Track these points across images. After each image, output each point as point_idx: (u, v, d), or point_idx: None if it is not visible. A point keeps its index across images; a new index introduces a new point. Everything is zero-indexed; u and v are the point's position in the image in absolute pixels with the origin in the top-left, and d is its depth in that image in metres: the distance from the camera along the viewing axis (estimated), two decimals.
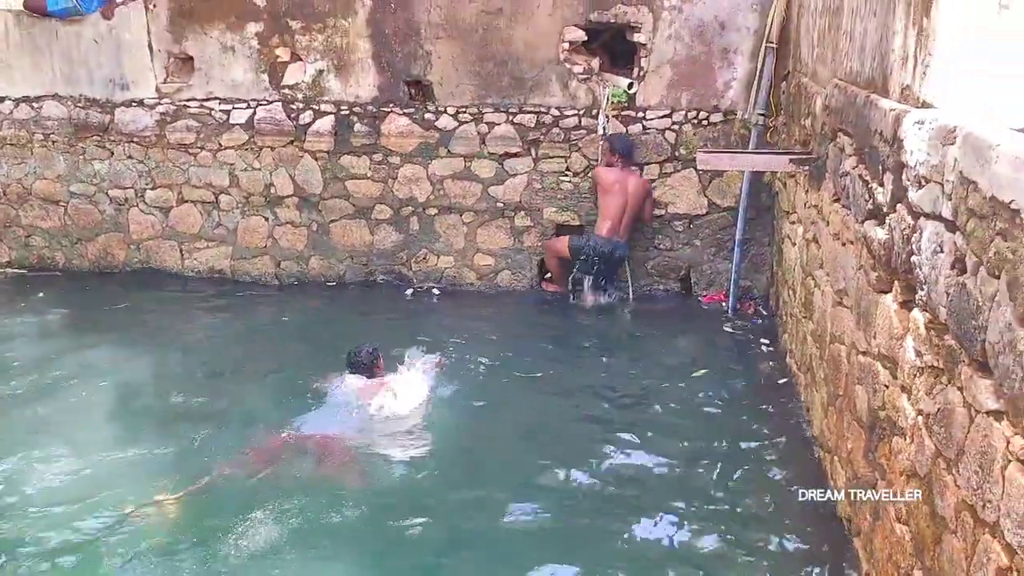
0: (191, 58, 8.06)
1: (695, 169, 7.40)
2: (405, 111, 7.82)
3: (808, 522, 4.45)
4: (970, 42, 3.17)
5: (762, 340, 6.91)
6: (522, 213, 7.89)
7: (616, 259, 7.57)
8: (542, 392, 6.14)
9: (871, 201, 3.81)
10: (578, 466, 5.08)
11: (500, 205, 7.89)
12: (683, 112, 7.47)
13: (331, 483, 4.89)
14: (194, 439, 5.35)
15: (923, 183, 3.05)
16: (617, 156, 7.42)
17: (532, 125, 7.66)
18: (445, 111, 7.76)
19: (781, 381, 6.10)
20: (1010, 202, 2.30)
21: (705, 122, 7.47)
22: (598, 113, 7.49)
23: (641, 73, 7.44)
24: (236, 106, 8.07)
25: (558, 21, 7.41)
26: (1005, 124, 3.14)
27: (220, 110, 8.10)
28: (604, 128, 7.48)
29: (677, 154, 7.55)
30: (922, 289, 3.07)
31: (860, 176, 4.06)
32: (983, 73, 3.24)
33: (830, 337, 4.68)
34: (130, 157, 8.36)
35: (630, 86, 7.41)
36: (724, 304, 7.56)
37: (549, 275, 8.02)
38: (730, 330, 7.20)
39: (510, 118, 7.68)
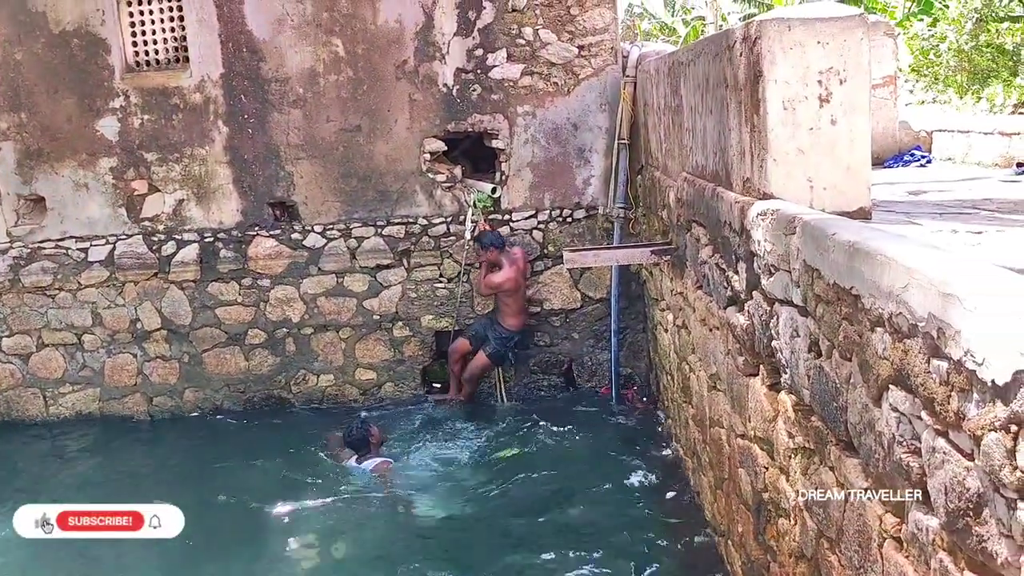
0: (42, 199, 7.80)
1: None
2: (271, 233, 7.74)
3: None
4: (799, 135, 3.37)
5: (648, 427, 6.99)
6: (400, 323, 7.85)
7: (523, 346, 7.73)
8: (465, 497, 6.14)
9: (729, 288, 3.95)
10: None
11: (377, 318, 7.83)
12: (547, 211, 7.66)
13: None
14: None
15: (772, 271, 3.19)
16: (492, 250, 7.37)
17: (402, 236, 7.70)
18: (312, 229, 7.72)
19: (672, 469, 6.15)
20: (851, 288, 2.42)
21: (569, 219, 7.67)
22: (464, 219, 7.59)
23: (503, 177, 7.62)
24: (94, 243, 7.81)
25: (417, 134, 7.55)
26: (839, 209, 3.35)
27: (77, 249, 7.82)
28: (472, 233, 7.56)
29: (546, 252, 7.70)
30: (786, 372, 3.17)
31: (717, 265, 4.22)
32: (815, 163, 3.45)
33: (709, 421, 4.77)
34: None
35: (494, 190, 7.56)
36: (608, 395, 7.64)
37: (438, 386, 7.94)
38: (616, 421, 7.25)
39: (379, 231, 7.70)
